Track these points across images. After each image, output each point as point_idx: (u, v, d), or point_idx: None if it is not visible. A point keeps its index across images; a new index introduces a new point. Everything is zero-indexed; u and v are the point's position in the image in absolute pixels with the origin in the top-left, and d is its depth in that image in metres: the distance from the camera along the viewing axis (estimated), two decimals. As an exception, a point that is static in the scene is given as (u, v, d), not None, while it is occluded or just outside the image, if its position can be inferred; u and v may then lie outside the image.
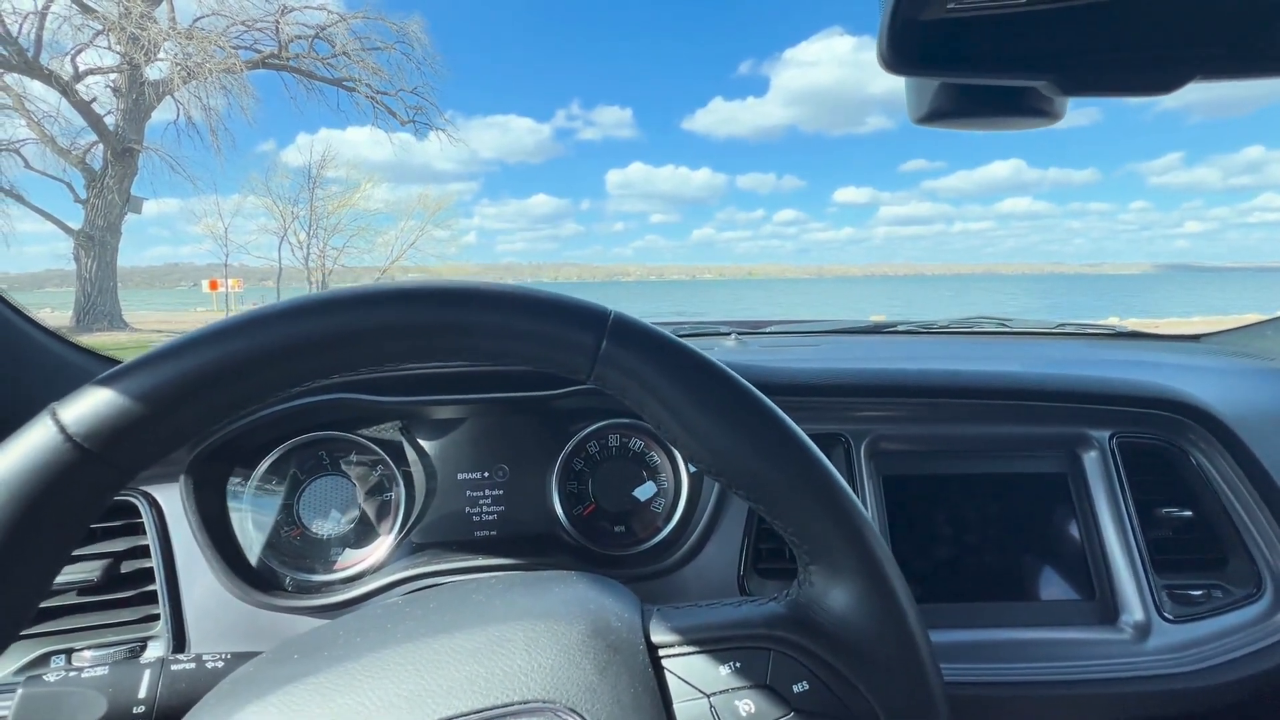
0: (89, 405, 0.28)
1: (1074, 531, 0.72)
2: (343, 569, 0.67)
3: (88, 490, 0.29)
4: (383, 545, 0.69)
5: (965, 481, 0.74)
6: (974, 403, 0.75)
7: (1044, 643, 0.65)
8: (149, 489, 0.61)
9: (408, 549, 0.69)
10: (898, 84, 0.40)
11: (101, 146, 13.42)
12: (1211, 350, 1.11)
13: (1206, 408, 0.73)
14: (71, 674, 0.43)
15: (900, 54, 0.34)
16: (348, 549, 0.68)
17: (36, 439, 0.28)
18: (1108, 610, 0.68)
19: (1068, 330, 1.38)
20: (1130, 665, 0.63)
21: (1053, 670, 0.63)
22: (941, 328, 1.38)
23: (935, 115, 0.40)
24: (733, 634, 0.36)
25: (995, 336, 1.36)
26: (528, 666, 0.32)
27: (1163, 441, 0.75)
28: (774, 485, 0.35)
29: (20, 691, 0.41)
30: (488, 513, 0.72)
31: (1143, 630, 0.66)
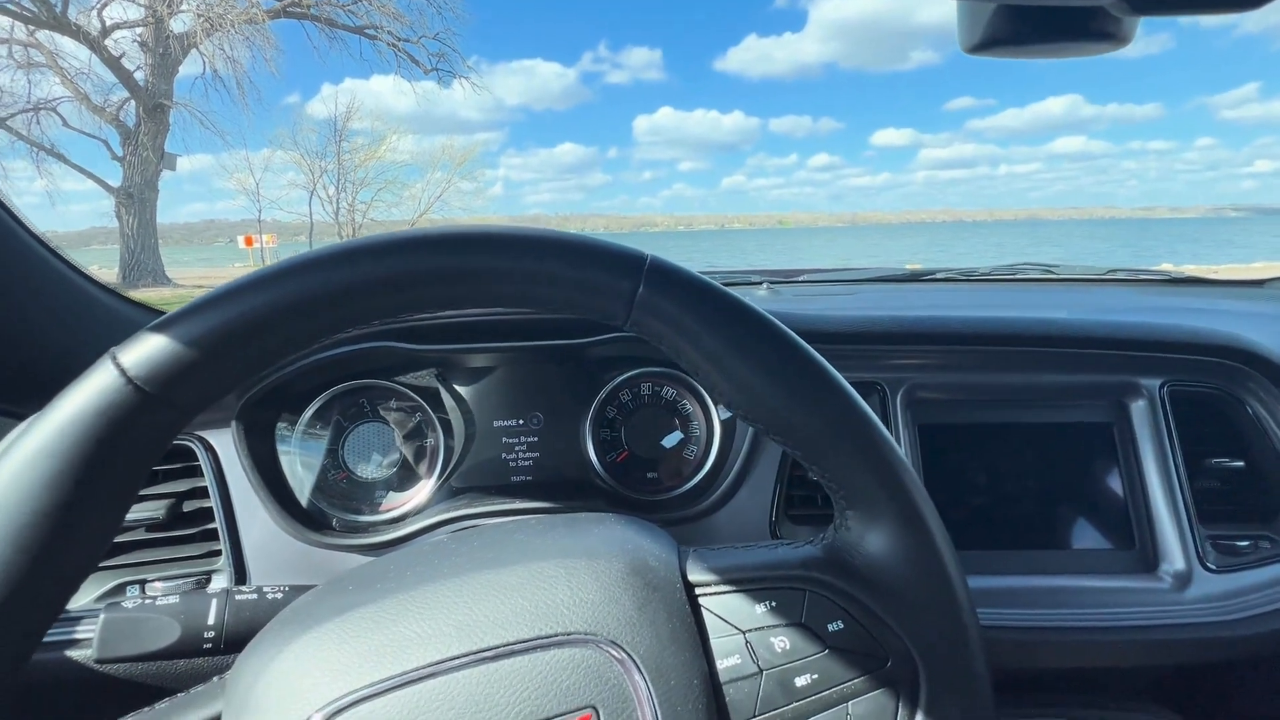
0: (147, 349, 0.29)
1: (1116, 481, 0.71)
2: (387, 511, 0.70)
3: (149, 431, 0.30)
4: (424, 489, 0.71)
5: (1005, 430, 0.73)
6: (1017, 350, 0.72)
7: (1080, 590, 0.65)
8: (204, 434, 0.64)
9: (448, 493, 0.71)
10: (947, 12, 0.36)
11: (133, 103, 13.56)
12: (1275, 296, 1.05)
13: (1269, 355, 0.69)
14: (147, 602, 0.46)
15: (955, -28, 0.32)
16: (391, 492, 0.71)
17: (98, 383, 0.29)
18: (1147, 559, 0.68)
19: (1118, 276, 1.32)
20: (1168, 613, 0.63)
21: (1088, 616, 0.63)
22: (983, 275, 1.34)
23: (989, 43, 0.37)
24: (768, 574, 0.37)
25: (1040, 284, 1.32)
26: (569, 601, 0.33)
27: (1218, 390, 0.72)
28: (811, 431, 0.35)
29: (102, 616, 0.45)
30: (523, 459, 0.74)
31: (1183, 579, 0.65)
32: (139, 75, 13.48)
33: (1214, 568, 0.66)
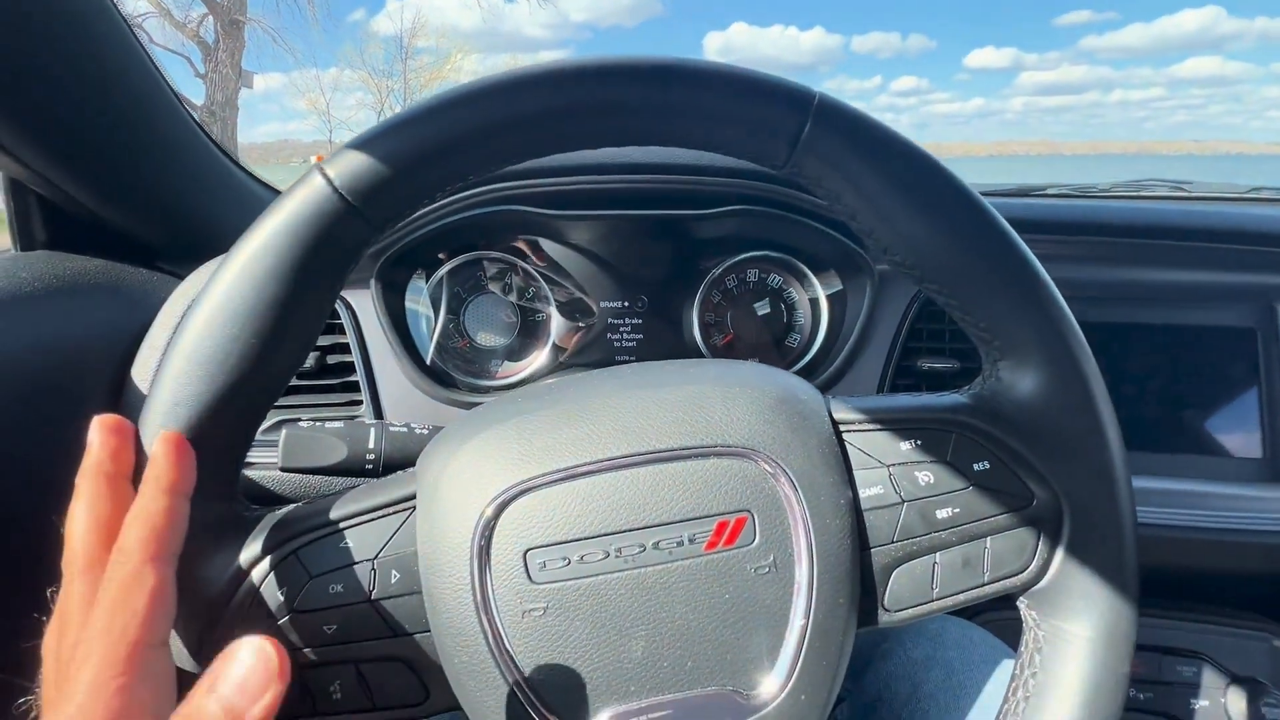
0: (350, 162, 0.31)
1: (1250, 388, 0.67)
2: (504, 377, 0.75)
3: (347, 239, 0.32)
4: (536, 361, 0.75)
5: (1130, 331, 0.69)
6: (1152, 243, 0.68)
7: (1199, 494, 0.64)
8: (345, 294, 0.70)
9: (556, 367, 0.75)
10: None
11: (211, 19, 13.81)
12: None
13: None
14: (318, 424, 0.52)
15: None
16: (507, 361, 0.76)
17: (309, 190, 0.31)
18: (1276, 469, 0.65)
19: (1264, 195, 1.20)
20: (1295, 521, 0.61)
21: (1206, 518, 0.61)
22: (1102, 191, 1.24)
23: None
24: (914, 416, 0.37)
25: (1169, 201, 1.21)
26: (727, 419, 0.35)
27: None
28: (972, 277, 0.34)
29: (285, 432, 0.51)
30: (628, 339, 0.76)
31: (1316, 490, 0.63)
32: (214, -11, 13.65)
33: (1354, 480, 0.63)
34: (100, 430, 0.31)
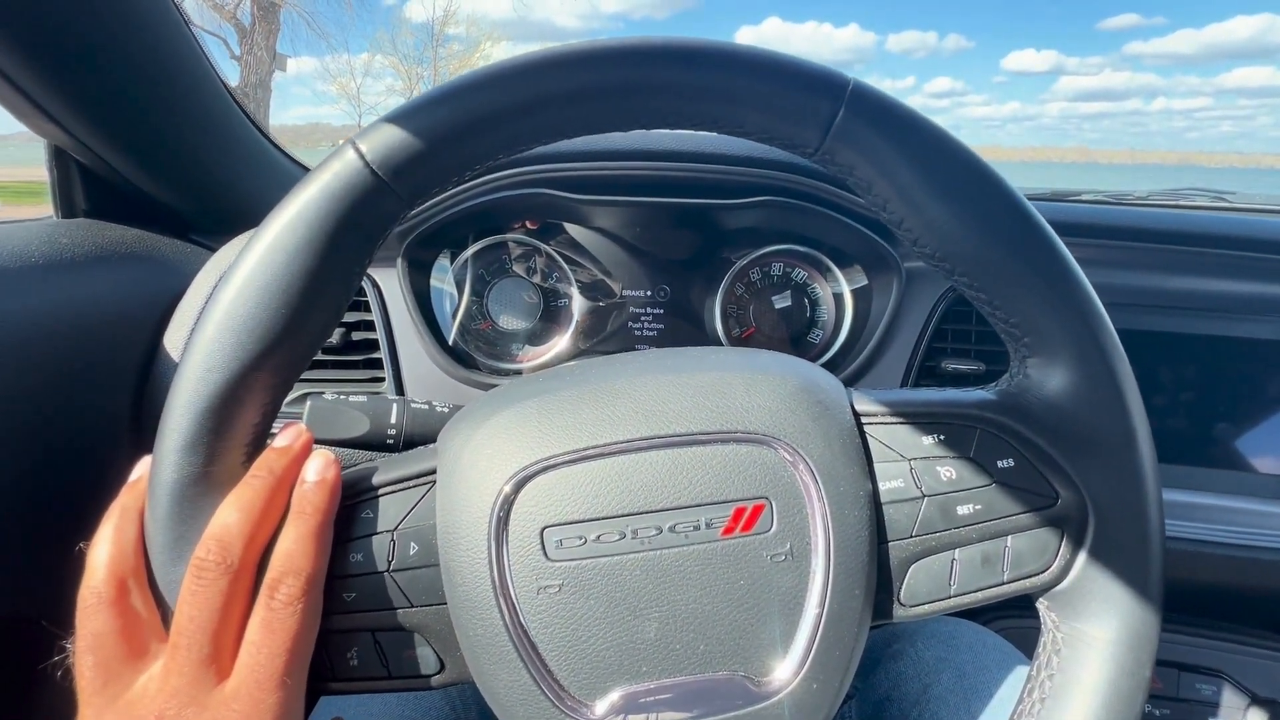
0: (383, 137, 0.31)
1: (1287, 405, 0.65)
2: (524, 361, 0.75)
3: (378, 213, 0.32)
4: (557, 346, 0.76)
5: (1164, 340, 0.68)
6: (1189, 251, 0.66)
7: (1232, 510, 0.62)
8: (372, 273, 0.70)
9: (578, 353, 0.76)
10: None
11: (248, 2, 14.01)
12: None
13: None
14: (341, 397, 0.52)
15: None
16: (528, 345, 0.76)
17: (340, 164, 0.31)
18: (1312, 487, 0.63)
19: (1310, 208, 1.16)
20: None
21: (1235, 534, 0.60)
22: (1139, 199, 1.21)
23: None
24: (939, 411, 0.37)
25: (1210, 211, 1.18)
26: (748, 406, 0.34)
27: None
28: (1003, 270, 0.33)
29: (309, 403, 0.51)
30: (649, 329, 0.76)
31: (1353, 510, 0.61)
32: (251, -29, 13.82)
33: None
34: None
